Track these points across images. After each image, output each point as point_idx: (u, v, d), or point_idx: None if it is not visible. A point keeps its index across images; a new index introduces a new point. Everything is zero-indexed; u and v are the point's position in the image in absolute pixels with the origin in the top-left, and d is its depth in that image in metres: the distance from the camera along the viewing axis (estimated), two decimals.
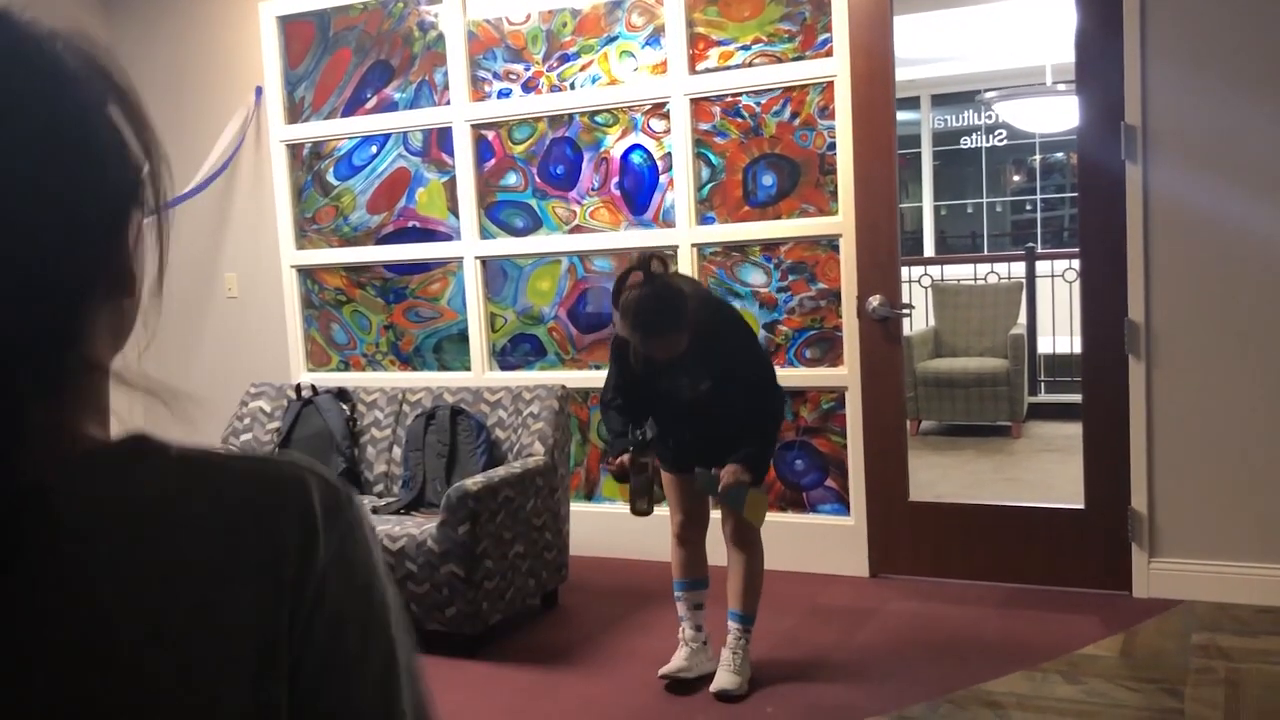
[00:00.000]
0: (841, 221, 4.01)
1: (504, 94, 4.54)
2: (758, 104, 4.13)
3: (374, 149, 4.84)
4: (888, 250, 3.99)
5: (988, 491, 5.36)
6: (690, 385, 3.05)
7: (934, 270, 7.40)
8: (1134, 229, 3.61)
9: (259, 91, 4.97)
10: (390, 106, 4.76)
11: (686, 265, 4.26)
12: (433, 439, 4.02)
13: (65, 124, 0.62)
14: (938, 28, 7.09)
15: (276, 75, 4.93)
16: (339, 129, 4.87)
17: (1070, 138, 7.42)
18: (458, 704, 3.15)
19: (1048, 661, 3.24)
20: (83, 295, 0.63)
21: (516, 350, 4.68)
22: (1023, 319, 6.79)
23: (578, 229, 4.49)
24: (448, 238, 4.73)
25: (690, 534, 3.25)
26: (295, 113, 4.97)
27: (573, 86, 4.43)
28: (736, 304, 4.23)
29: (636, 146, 4.35)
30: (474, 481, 3.52)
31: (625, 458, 3.09)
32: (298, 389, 4.41)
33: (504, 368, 4.70)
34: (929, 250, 9.91)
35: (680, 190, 4.25)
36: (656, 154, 4.32)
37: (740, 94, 4.14)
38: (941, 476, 5.56)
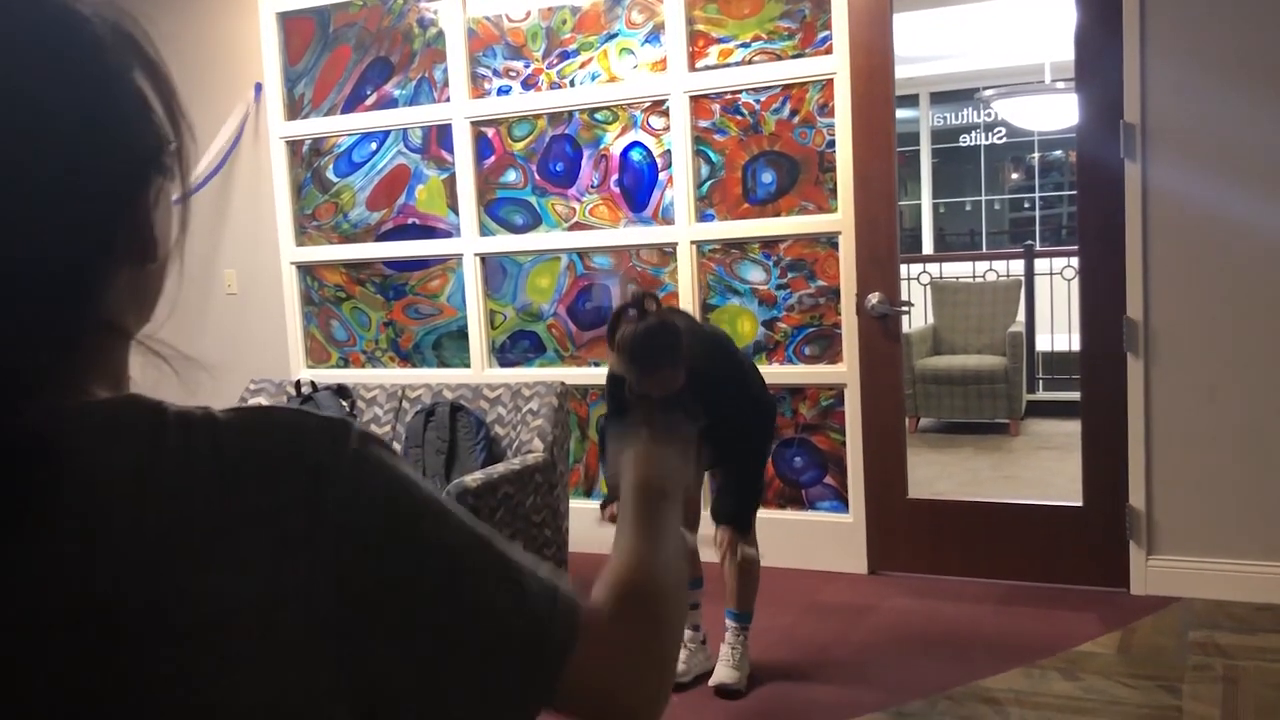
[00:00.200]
0: (841, 219, 4.02)
1: (504, 91, 4.55)
2: (757, 101, 4.13)
3: (374, 146, 4.84)
4: (887, 247, 4.00)
5: (986, 489, 5.37)
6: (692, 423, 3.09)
7: (933, 268, 7.41)
8: (1133, 227, 3.61)
9: (258, 88, 4.97)
10: (390, 103, 4.76)
11: (686, 263, 4.26)
12: (432, 436, 4.02)
13: (88, 82, 0.63)
14: (937, 25, 7.09)
15: (276, 71, 4.93)
16: (339, 126, 4.87)
17: (1069, 136, 7.42)
18: None
19: (1046, 658, 3.25)
20: (100, 249, 0.63)
21: (516, 347, 4.68)
22: (1021, 317, 6.79)
23: (577, 226, 4.49)
24: (447, 234, 4.73)
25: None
26: (295, 109, 4.97)
27: (572, 84, 4.43)
28: (736, 301, 4.24)
29: (636, 144, 4.36)
30: (473, 478, 3.52)
31: (614, 507, 3.07)
32: (297, 385, 4.41)
33: (503, 364, 4.70)
34: (928, 248, 9.92)
35: (680, 187, 4.25)
36: (656, 151, 4.32)
37: (740, 91, 4.15)
38: (940, 474, 5.57)
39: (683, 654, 3.25)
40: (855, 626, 3.63)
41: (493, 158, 4.61)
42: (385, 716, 0.64)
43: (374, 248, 4.88)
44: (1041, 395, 7.03)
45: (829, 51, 3.97)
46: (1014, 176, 10.56)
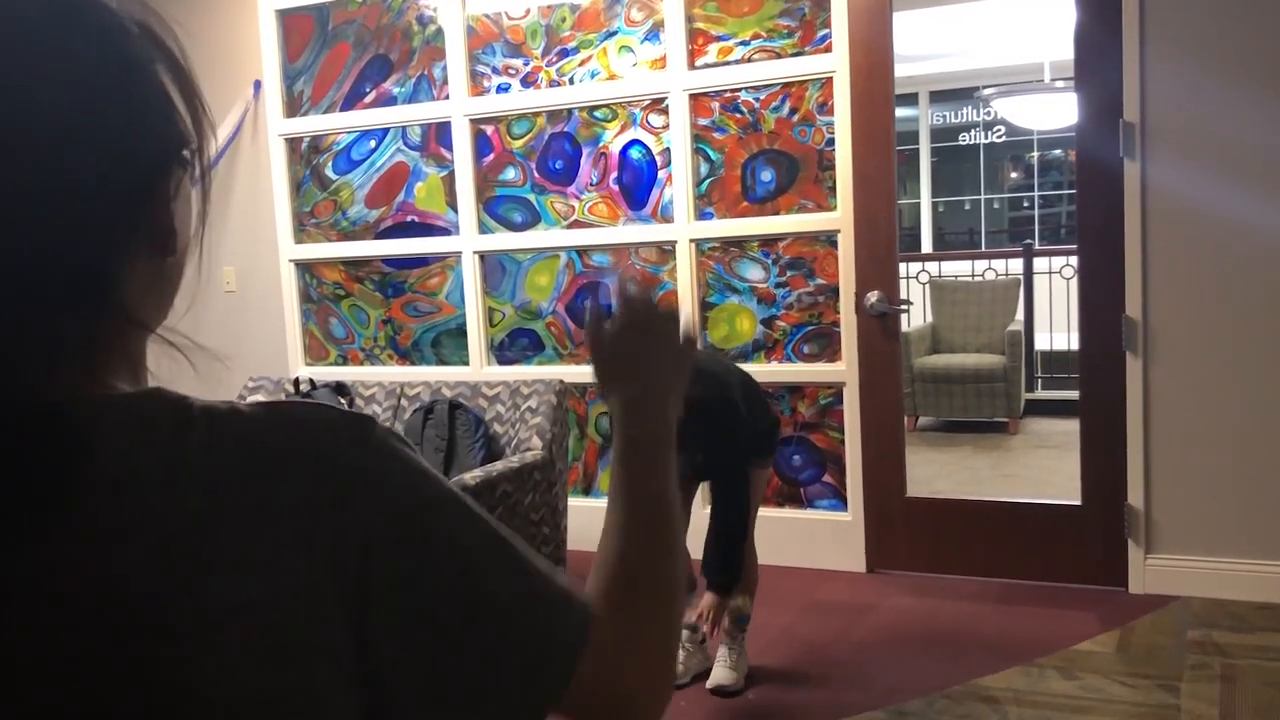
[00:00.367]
0: (840, 217, 4.01)
1: (503, 89, 4.54)
2: (757, 99, 4.13)
3: (373, 143, 4.84)
4: (886, 246, 4.00)
5: (985, 488, 5.37)
6: (687, 461, 3.13)
7: (932, 266, 7.41)
8: (1132, 226, 3.61)
9: (257, 85, 4.96)
10: (389, 101, 4.76)
11: (685, 261, 4.26)
12: (431, 433, 4.02)
13: (112, 70, 0.64)
14: (937, 24, 7.09)
15: (275, 69, 4.93)
16: (338, 123, 4.86)
17: (1069, 134, 7.42)
18: None
19: (1044, 657, 3.25)
20: (119, 236, 0.64)
21: (515, 345, 4.68)
22: (1020, 315, 6.79)
23: (576, 224, 4.49)
24: (446, 232, 4.73)
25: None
26: (294, 107, 4.96)
27: (572, 81, 4.42)
28: (735, 299, 4.24)
29: (635, 142, 4.35)
30: (472, 476, 3.52)
31: None
32: (295, 383, 4.41)
33: (502, 362, 4.70)
34: (927, 246, 9.92)
35: (679, 185, 4.25)
36: (655, 149, 4.32)
37: (739, 89, 4.14)
38: (939, 472, 5.57)
39: (680, 654, 3.25)
40: (853, 625, 3.63)
41: (492, 155, 4.61)
42: (395, 713, 0.65)
43: (373, 245, 4.88)
44: (1040, 394, 7.03)
45: (828, 50, 3.97)
46: (1013, 175, 10.56)
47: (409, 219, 4.81)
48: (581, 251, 4.51)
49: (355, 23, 4.79)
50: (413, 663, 0.64)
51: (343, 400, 4.30)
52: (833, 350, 4.12)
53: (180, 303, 0.72)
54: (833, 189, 4.04)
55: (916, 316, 6.89)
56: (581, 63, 4.40)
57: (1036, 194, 10.28)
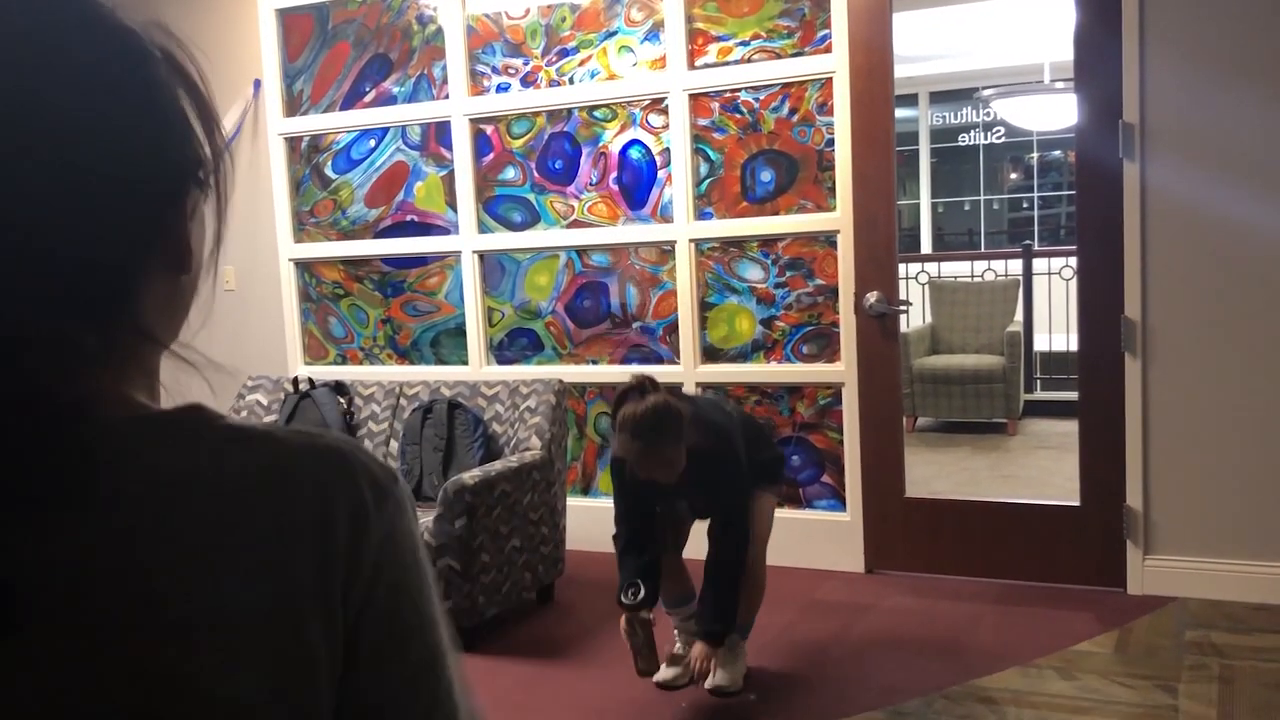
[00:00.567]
0: (839, 218, 4.02)
1: (503, 88, 4.54)
2: (756, 100, 4.13)
3: (372, 143, 4.84)
4: (885, 247, 4.00)
5: (983, 488, 5.37)
6: (689, 508, 3.20)
7: (931, 267, 7.41)
8: (1131, 227, 3.61)
9: (257, 84, 4.96)
10: (389, 100, 4.76)
11: (684, 261, 4.26)
12: (430, 433, 4.02)
13: (135, 89, 0.65)
14: (937, 25, 7.09)
15: (275, 68, 4.93)
16: (337, 122, 4.86)
17: (1068, 135, 7.41)
18: None
19: (1042, 657, 3.25)
20: (137, 248, 0.65)
21: (514, 344, 4.68)
22: (1019, 316, 6.80)
23: (576, 224, 4.49)
24: (445, 232, 4.73)
25: (666, 561, 3.20)
26: (294, 106, 4.96)
27: (571, 81, 4.43)
28: (734, 300, 4.24)
29: (635, 142, 4.36)
30: (471, 475, 3.52)
31: (623, 623, 3.02)
32: (295, 382, 4.41)
33: (501, 362, 4.70)
34: (926, 247, 9.92)
35: (678, 186, 4.25)
36: (655, 149, 4.32)
37: (739, 90, 4.15)
38: (937, 473, 5.57)
39: (679, 650, 3.25)
40: (852, 625, 3.63)
41: (491, 155, 4.61)
42: None
43: (372, 245, 4.88)
44: (1039, 395, 7.03)
45: (828, 50, 3.97)
46: (1013, 176, 10.56)
47: (408, 218, 4.81)
48: (581, 251, 4.51)
49: (355, 22, 4.79)
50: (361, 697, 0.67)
51: (342, 400, 4.30)
52: (832, 351, 4.12)
53: (194, 317, 0.74)
54: (832, 189, 4.04)
55: (916, 317, 6.90)
56: (581, 62, 4.40)
57: (1036, 195, 10.28)
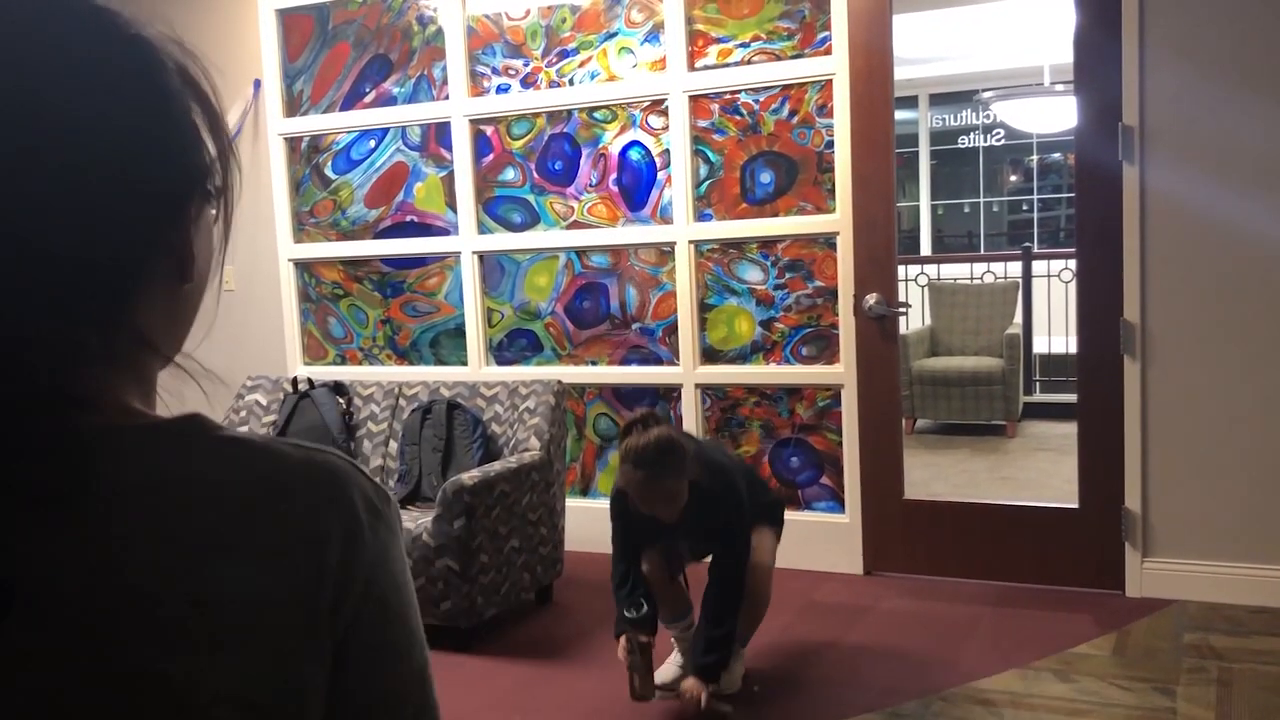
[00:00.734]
0: (839, 219, 4.02)
1: (503, 89, 4.54)
2: (756, 101, 4.13)
3: (372, 143, 4.84)
4: (885, 248, 4.00)
5: (982, 490, 5.38)
6: (690, 548, 3.19)
7: (930, 269, 7.42)
8: (1130, 229, 3.62)
9: (257, 84, 4.96)
10: (389, 101, 4.76)
11: (684, 262, 4.26)
12: (429, 433, 4.02)
13: (146, 96, 0.67)
14: (936, 27, 7.10)
15: (275, 68, 4.93)
16: (337, 123, 4.86)
17: (1068, 138, 7.42)
18: (451, 698, 3.15)
19: (1040, 660, 3.25)
20: (138, 251, 0.66)
21: (513, 345, 4.68)
22: (1018, 318, 6.80)
23: (575, 225, 4.49)
24: (445, 232, 4.73)
25: (664, 589, 3.19)
26: (294, 106, 4.96)
27: (571, 82, 4.43)
28: (733, 301, 4.25)
29: (635, 143, 4.36)
30: (470, 476, 3.52)
31: (622, 643, 3.01)
32: (294, 382, 4.41)
33: (501, 363, 4.70)
34: (926, 249, 9.92)
35: (678, 187, 4.25)
36: (655, 150, 4.32)
37: (739, 91, 4.15)
38: (936, 475, 5.57)
39: (676, 659, 3.26)
40: (850, 627, 3.63)
41: (491, 156, 4.61)
42: None
43: (372, 245, 4.88)
44: (1038, 397, 7.04)
45: (828, 52, 3.97)
46: (1012, 178, 10.57)
47: (408, 219, 4.81)
48: (581, 252, 4.51)
49: (355, 22, 4.79)
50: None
51: (341, 400, 4.30)
52: (831, 352, 4.12)
53: (196, 329, 0.75)
54: (832, 191, 4.04)
55: (915, 319, 6.90)
56: (581, 64, 4.41)
57: (1035, 197, 10.29)
